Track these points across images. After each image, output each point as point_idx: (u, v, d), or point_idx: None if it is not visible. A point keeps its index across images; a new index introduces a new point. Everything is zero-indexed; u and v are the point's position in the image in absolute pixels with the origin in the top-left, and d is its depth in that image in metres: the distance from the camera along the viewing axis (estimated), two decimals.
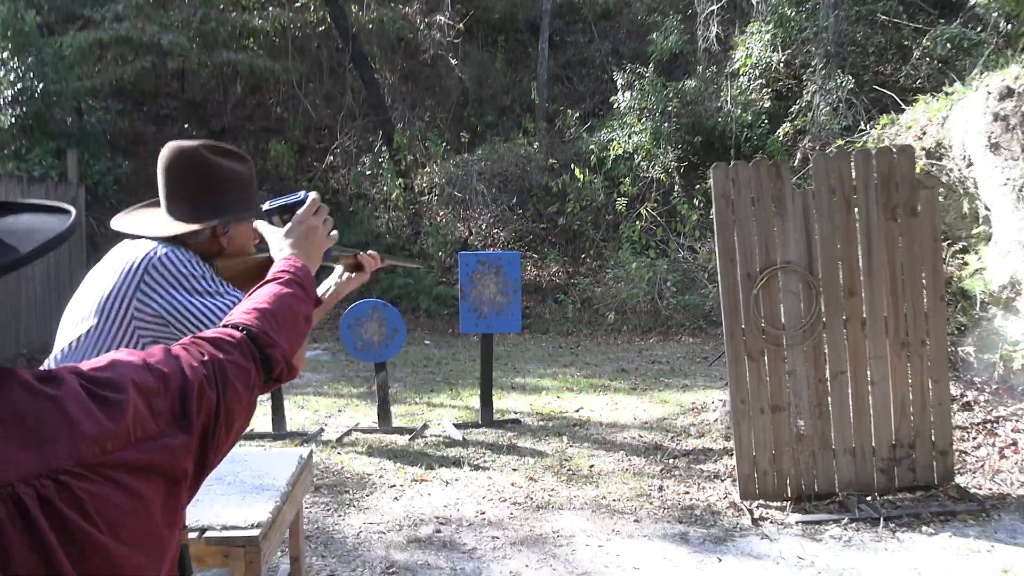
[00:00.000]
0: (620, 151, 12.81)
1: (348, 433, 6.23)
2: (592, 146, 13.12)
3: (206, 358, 1.13)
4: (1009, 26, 10.33)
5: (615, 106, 13.55)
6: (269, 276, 1.43)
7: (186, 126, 15.61)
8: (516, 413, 6.75)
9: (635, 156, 12.86)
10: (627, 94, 13.35)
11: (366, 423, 6.47)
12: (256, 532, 2.18)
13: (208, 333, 1.21)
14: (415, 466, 5.44)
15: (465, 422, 6.47)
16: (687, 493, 4.87)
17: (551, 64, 15.70)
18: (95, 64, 13.60)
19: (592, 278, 12.11)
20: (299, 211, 1.60)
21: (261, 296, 1.35)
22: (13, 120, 11.07)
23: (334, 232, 1.66)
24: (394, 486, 5.07)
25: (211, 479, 2.58)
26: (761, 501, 4.56)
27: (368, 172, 14.53)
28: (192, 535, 2.16)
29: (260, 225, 1.67)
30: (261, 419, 6.35)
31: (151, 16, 12.24)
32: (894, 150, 4.80)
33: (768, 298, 4.67)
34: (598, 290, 11.68)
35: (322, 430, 6.36)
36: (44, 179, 10.35)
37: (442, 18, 15.86)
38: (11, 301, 9.20)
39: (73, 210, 1.10)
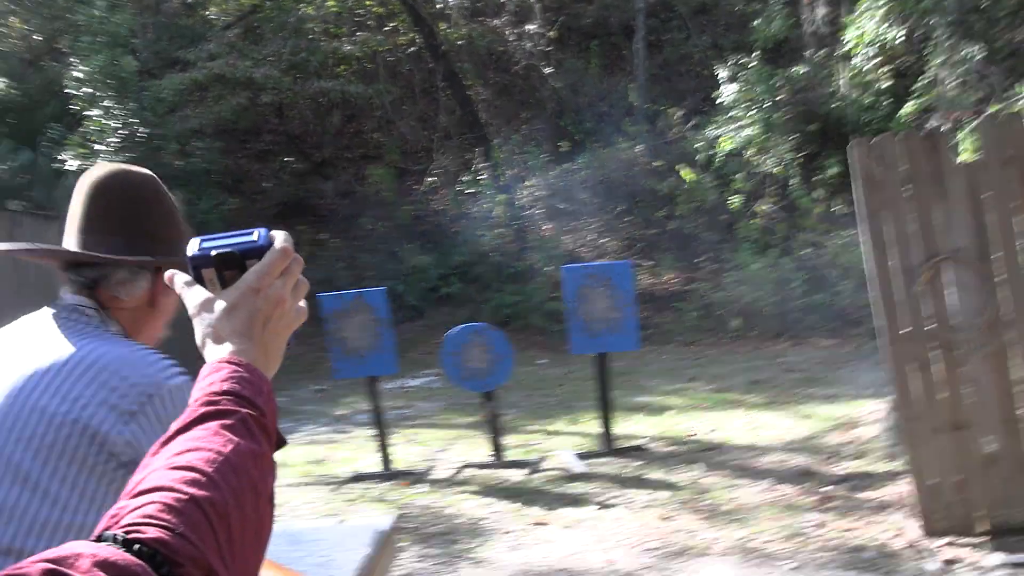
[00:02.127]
0: (730, 147, 12.02)
1: (460, 470, 5.74)
2: (698, 144, 12.38)
3: None
4: None
5: (719, 101, 12.78)
6: (198, 399, 0.77)
7: (287, 159, 15.68)
8: (641, 438, 6.13)
9: (746, 151, 12.05)
10: (732, 87, 12.56)
11: (479, 457, 5.98)
12: None
13: (81, 564, 0.57)
14: (533, 506, 4.90)
15: (585, 451, 5.89)
16: (852, 530, 4.14)
17: (648, 65, 15.04)
18: (195, 105, 13.77)
19: (711, 283, 11.36)
20: (253, 267, 0.85)
21: (197, 460, 0.69)
22: None
23: (302, 305, 0.90)
24: (510, 532, 4.54)
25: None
26: (949, 539, 3.80)
27: (469, 191, 14.20)
28: None
29: (178, 283, 0.89)
30: (369, 457, 5.96)
31: (243, 52, 12.26)
32: None
33: (934, 295, 3.93)
34: (718, 295, 10.92)
35: (432, 467, 5.90)
36: None
37: (532, 28, 15.44)
38: None
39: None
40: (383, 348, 5.79)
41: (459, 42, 15.38)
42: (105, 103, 10.86)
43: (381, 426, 5.85)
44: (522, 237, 13.20)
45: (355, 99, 14.32)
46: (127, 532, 0.61)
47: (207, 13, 14.89)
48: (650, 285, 12.33)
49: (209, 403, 0.76)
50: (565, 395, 7.97)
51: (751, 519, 4.39)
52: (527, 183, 13.91)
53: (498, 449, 5.77)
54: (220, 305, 0.84)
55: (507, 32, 15.69)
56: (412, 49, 15.23)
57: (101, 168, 1.52)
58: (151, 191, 1.53)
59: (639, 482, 5.16)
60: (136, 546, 0.59)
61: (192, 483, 0.66)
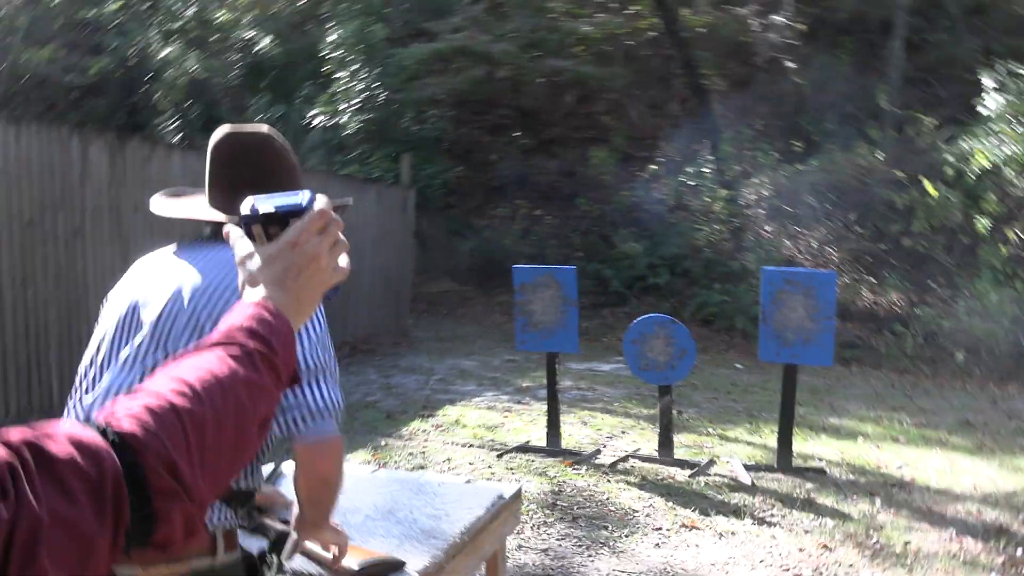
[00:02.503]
0: (985, 163, 10.92)
1: (625, 459, 5.68)
2: (949, 157, 11.34)
3: (5, 511, 0.56)
4: None
5: (982, 112, 11.64)
6: (221, 332, 0.85)
7: (517, 134, 16.05)
8: (822, 460, 5.77)
9: (1005, 169, 10.90)
10: (998, 97, 11.39)
11: (647, 450, 5.88)
12: None
13: (57, 441, 0.63)
14: (688, 508, 4.75)
15: (758, 463, 5.63)
16: None
17: (907, 66, 13.97)
18: (436, 75, 14.40)
19: (940, 309, 10.44)
20: (294, 224, 0.94)
21: (191, 377, 0.77)
22: (359, 126, 11.98)
23: (344, 260, 0.98)
24: (659, 529, 4.43)
25: (383, 511, 2.18)
26: None
27: (691, 183, 13.89)
28: None
29: (233, 235, 0.97)
30: (541, 431, 6.03)
31: (485, 26, 12.65)
32: None
33: None
34: (946, 324, 10.01)
35: (599, 451, 5.87)
36: (378, 181, 11.02)
37: (781, 19, 14.76)
38: (342, 297, 9.82)
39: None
40: (567, 326, 5.81)
41: (700, 30, 15.01)
42: (353, 67, 11.62)
43: (555, 403, 5.89)
44: (739, 236, 12.76)
45: (589, 80, 14.39)
46: (108, 422, 0.69)
47: None
48: (871, 303, 11.54)
49: (226, 335, 0.85)
50: (753, 403, 7.64)
51: (922, 567, 4.01)
52: (753, 180, 13.39)
53: (667, 445, 5.64)
54: (260, 256, 0.94)
55: (752, 22, 15.12)
56: (651, 34, 15.04)
57: (223, 133, 1.65)
58: (270, 149, 1.65)
59: (807, 505, 4.86)
60: (109, 433, 0.67)
61: (178, 394, 0.74)
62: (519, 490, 2.53)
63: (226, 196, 1.64)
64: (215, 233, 1.68)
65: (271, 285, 0.92)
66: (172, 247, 1.72)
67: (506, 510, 2.40)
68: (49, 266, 5.95)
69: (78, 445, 0.64)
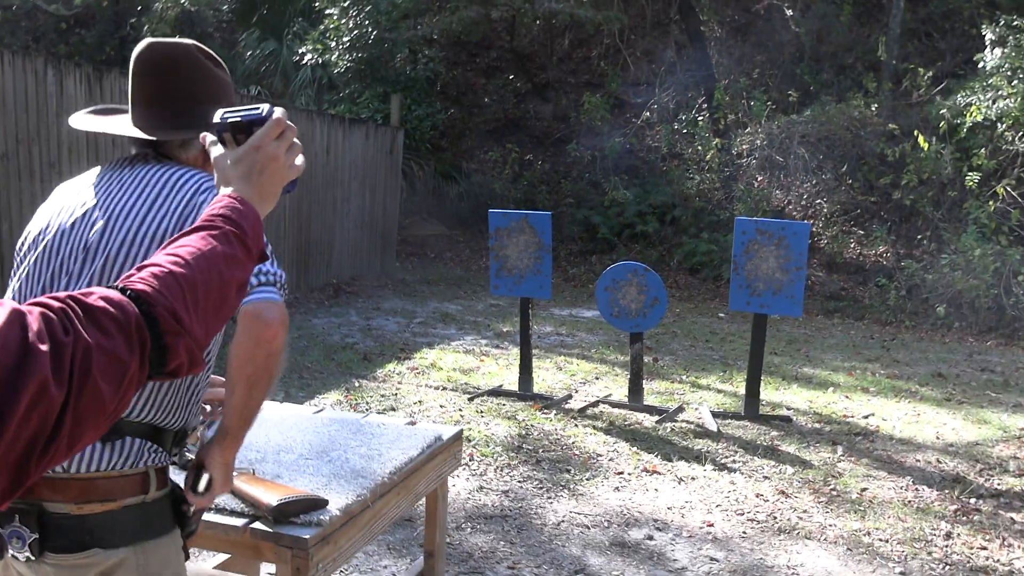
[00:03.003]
0: (979, 117, 10.83)
1: (594, 404, 5.75)
2: (944, 111, 11.24)
3: (68, 338, 0.80)
4: None
5: (980, 65, 11.51)
6: (202, 219, 1.09)
7: (511, 77, 15.87)
8: (789, 409, 5.84)
9: (998, 124, 10.82)
10: (997, 51, 11.25)
11: (618, 396, 5.95)
12: (308, 534, 1.76)
13: (93, 296, 0.87)
14: (651, 453, 4.83)
15: (726, 411, 5.69)
16: (982, 548, 3.77)
17: (908, 18, 13.78)
18: (432, 14, 14.17)
19: (925, 263, 10.45)
20: (256, 132, 1.18)
21: (182, 253, 1.01)
22: (349, 65, 11.83)
23: (299, 160, 1.22)
24: (620, 473, 4.51)
25: (317, 451, 2.22)
26: None
27: (684, 130, 13.78)
28: (242, 521, 1.80)
29: (207, 141, 1.24)
30: (515, 375, 6.09)
31: None
32: None
33: None
34: (929, 277, 10.04)
35: (570, 396, 5.94)
36: (366, 121, 10.92)
37: None
38: (326, 237, 9.82)
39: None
40: (541, 272, 5.82)
41: None
42: (344, 4, 11.43)
43: (527, 347, 5.94)
44: (730, 186, 12.70)
45: (585, 24, 14.17)
46: (125, 285, 0.93)
47: None
48: (857, 255, 11.55)
49: (207, 220, 1.08)
50: (729, 352, 7.70)
51: (875, 514, 4.09)
52: (746, 130, 13.28)
53: (636, 392, 5.70)
54: (230, 158, 1.19)
55: None
56: None
57: (144, 44, 1.62)
58: (188, 62, 1.62)
59: (769, 452, 4.94)
60: (128, 291, 0.91)
61: (173, 263, 0.98)
62: (459, 432, 2.56)
63: (149, 112, 1.62)
64: (141, 156, 1.66)
65: (239, 180, 1.16)
66: (95, 170, 1.71)
67: (444, 451, 2.43)
68: (24, 199, 5.94)
69: (107, 299, 0.88)
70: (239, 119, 1.19)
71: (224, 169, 1.18)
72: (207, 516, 1.83)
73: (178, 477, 1.78)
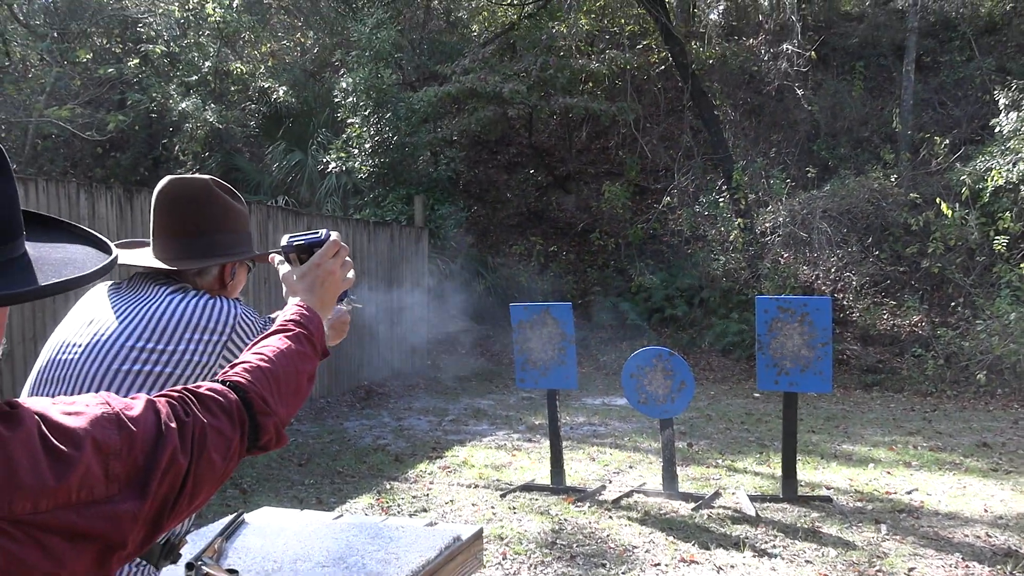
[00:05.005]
0: (1000, 181, 10.82)
1: (628, 494, 5.65)
2: (964, 177, 11.24)
3: (188, 419, 1.02)
4: None
5: (996, 130, 11.56)
6: (277, 325, 1.32)
7: (531, 171, 16.17)
8: (829, 489, 5.69)
9: (1021, 187, 10.79)
10: (1012, 115, 11.32)
11: (653, 484, 5.84)
12: None
13: (202, 388, 1.09)
14: (689, 542, 4.71)
15: (764, 494, 5.56)
16: None
17: (919, 88, 13.95)
18: (451, 116, 14.59)
19: (960, 330, 10.29)
20: (317, 252, 1.45)
21: (265, 351, 1.24)
22: (372, 170, 12.14)
23: (351, 274, 1.50)
24: (657, 565, 4.40)
25: (334, 558, 2.20)
26: None
27: (706, 212, 13.87)
28: None
29: (276, 261, 1.53)
30: (547, 469, 6.02)
31: (494, 67, 12.81)
32: None
33: None
34: (967, 344, 9.87)
35: (603, 487, 5.85)
36: (391, 223, 11.14)
37: (791, 47, 14.80)
38: (355, 339, 9.90)
39: (114, 252, 1.06)
40: (566, 363, 5.82)
41: (710, 61, 15.09)
42: (365, 112, 11.80)
43: (557, 440, 5.88)
44: (756, 264, 12.69)
45: (600, 116, 14.49)
46: (224, 378, 1.14)
47: (468, 31, 15.74)
48: (891, 327, 11.40)
49: (282, 325, 1.31)
50: (765, 433, 7.57)
51: None
52: (767, 209, 13.34)
53: (671, 479, 5.60)
54: (296, 274, 1.45)
55: (763, 52, 15.18)
56: (661, 68, 15.15)
57: (165, 181, 1.75)
58: (205, 196, 1.73)
59: (810, 535, 4.80)
60: (227, 383, 1.12)
61: (260, 359, 1.20)
62: (479, 531, 2.54)
63: (170, 243, 1.74)
64: (150, 275, 1.77)
65: (304, 292, 1.42)
66: (108, 284, 1.82)
67: (464, 552, 2.41)
68: (59, 320, 6.09)
69: (213, 389, 1.09)
70: (302, 242, 1.45)
71: (291, 283, 1.44)
72: None
73: None
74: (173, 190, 1.74)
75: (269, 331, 1.31)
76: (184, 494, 0.98)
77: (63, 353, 1.68)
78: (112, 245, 1.07)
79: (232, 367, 1.18)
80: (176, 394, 1.05)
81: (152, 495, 0.93)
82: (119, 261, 1.78)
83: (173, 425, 0.98)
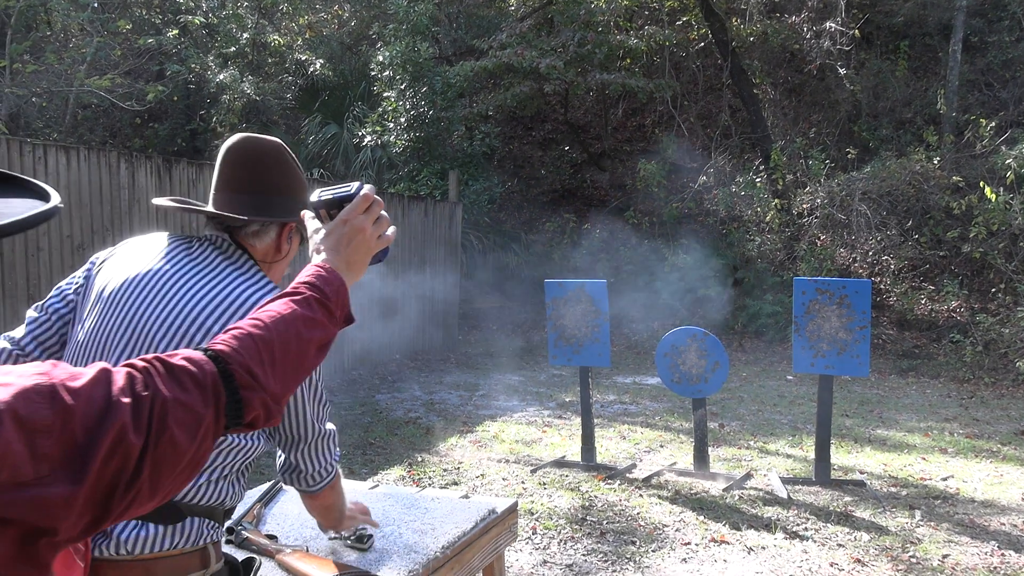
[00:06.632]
0: None
1: (659, 473, 5.64)
2: (1010, 160, 11.00)
3: (147, 393, 0.91)
4: None
5: None
6: (289, 287, 1.19)
7: (566, 148, 16.08)
8: (863, 473, 5.64)
9: None
10: None
11: (683, 464, 5.83)
12: None
13: (176, 356, 0.98)
14: (720, 522, 4.70)
15: (796, 476, 5.53)
16: None
17: (966, 69, 13.64)
18: (487, 91, 14.53)
19: (1000, 316, 10.11)
20: (346, 207, 1.30)
21: (263, 316, 1.10)
22: (407, 144, 12.14)
23: (390, 231, 1.34)
24: (688, 544, 4.39)
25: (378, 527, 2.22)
26: None
27: (742, 192, 13.71)
28: None
29: (305, 217, 1.37)
30: (577, 445, 6.03)
31: (531, 42, 12.71)
32: None
33: None
34: (1006, 331, 9.69)
35: (634, 466, 5.84)
36: (425, 198, 11.15)
37: (834, 25, 14.51)
38: (390, 306, 9.96)
39: (55, 201, 0.99)
40: (600, 340, 5.80)
41: (751, 39, 14.85)
42: (401, 86, 11.79)
43: (588, 417, 5.88)
44: (792, 246, 12.54)
45: (638, 93, 14.34)
46: (207, 346, 1.02)
47: (506, 4, 15.62)
48: (929, 312, 11.23)
49: (293, 288, 1.18)
50: (798, 416, 7.51)
51: None
52: (806, 190, 13.16)
53: (702, 459, 5.58)
54: (322, 231, 1.30)
55: (805, 29, 14.90)
56: (700, 45, 14.95)
57: (237, 136, 1.74)
58: (274, 156, 1.72)
59: (843, 518, 4.76)
60: (208, 351, 1.00)
61: (252, 326, 1.07)
62: (514, 504, 2.54)
63: (236, 197, 1.71)
64: (211, 241, 1.73)
65: (329, 251, 1.27)
66: (165, 240, 1.78)
67: (499, 524, 2.41)
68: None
69: (188, 359, 0.97)
70: (331, 196, 1.32)
71: (317, 241, 1.30)
72: None
73: (235, 552, 1.84)
74: (247, 145, 1.72)
75: (278, 293, 1.19)
76: (141, 478, 0.88)
77: (139, 302, 1.63)
78: (54, 194, 1.01)
79: (222, 334, 1.07)
80: (142, 364, 0.94)
81: (92, 477, 0.83)
82: (180, 206, 1.79)
83: (126, 400, 0.88)
